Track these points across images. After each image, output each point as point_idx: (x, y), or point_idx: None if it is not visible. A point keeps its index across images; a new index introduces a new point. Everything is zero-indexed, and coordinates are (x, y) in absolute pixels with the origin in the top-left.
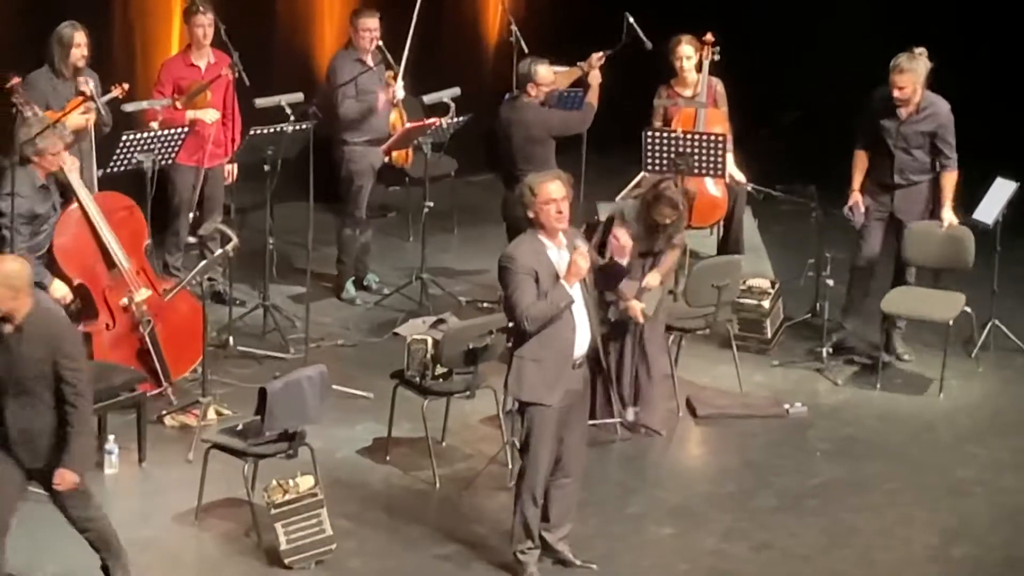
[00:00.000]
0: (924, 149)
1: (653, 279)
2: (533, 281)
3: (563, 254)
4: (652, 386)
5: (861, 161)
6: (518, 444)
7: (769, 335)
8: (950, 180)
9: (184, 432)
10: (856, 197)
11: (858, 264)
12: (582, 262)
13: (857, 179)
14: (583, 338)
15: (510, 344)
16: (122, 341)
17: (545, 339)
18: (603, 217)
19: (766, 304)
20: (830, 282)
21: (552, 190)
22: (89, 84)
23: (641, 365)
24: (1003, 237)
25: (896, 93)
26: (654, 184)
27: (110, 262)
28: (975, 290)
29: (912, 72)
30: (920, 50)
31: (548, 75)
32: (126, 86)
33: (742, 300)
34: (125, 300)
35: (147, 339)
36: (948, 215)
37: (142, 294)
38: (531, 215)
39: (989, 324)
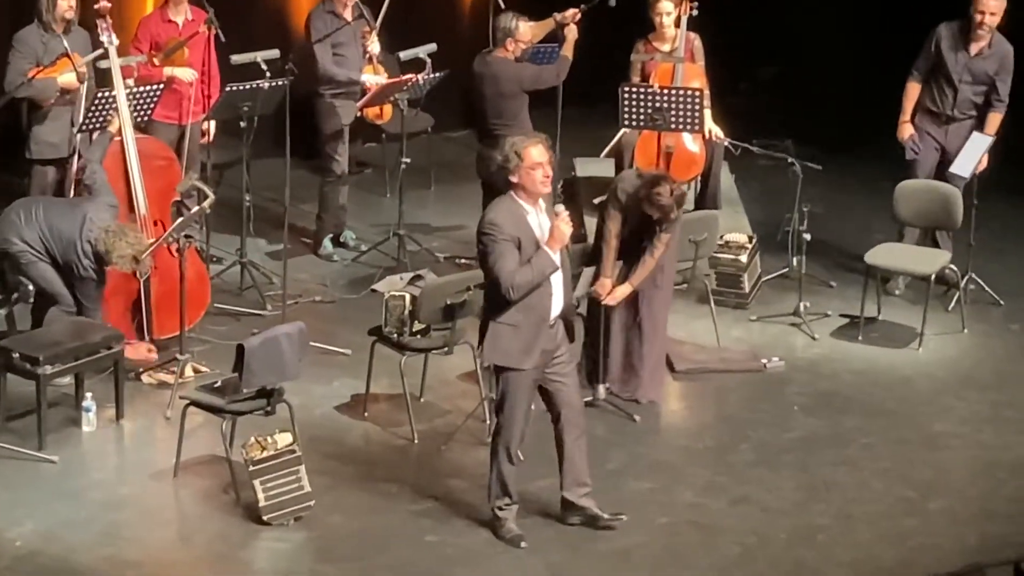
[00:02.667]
0: (986, 86)
1: (622, 291)
2: (516, 248)
3: (542, 218)
4: (645, 356)
5: (914, 91)
6: (495, 400)
7: (747, 290)
8: (995, 120)
9: (162, 389)
10: (909, 128)
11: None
12: (565, 228)
13: (908, 109)
14: (558, 300)
15: (484, 307)
16: (116, 284)
17: (523, 305)
18: (580, 172)
19: (743, 259)
20: (807, 236)
21: (537, 154)
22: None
23: (634, 335)
24: (979, 191)
25: (987, 20)
26: (650, 181)
27: (130, 205)
28: (954, 244)
29: (1001, 6)
30: None
31: (528, 32)
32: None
33: (719, 255)
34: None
35: (142, 287)
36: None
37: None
38: (514, 179)
39: (965, 278)
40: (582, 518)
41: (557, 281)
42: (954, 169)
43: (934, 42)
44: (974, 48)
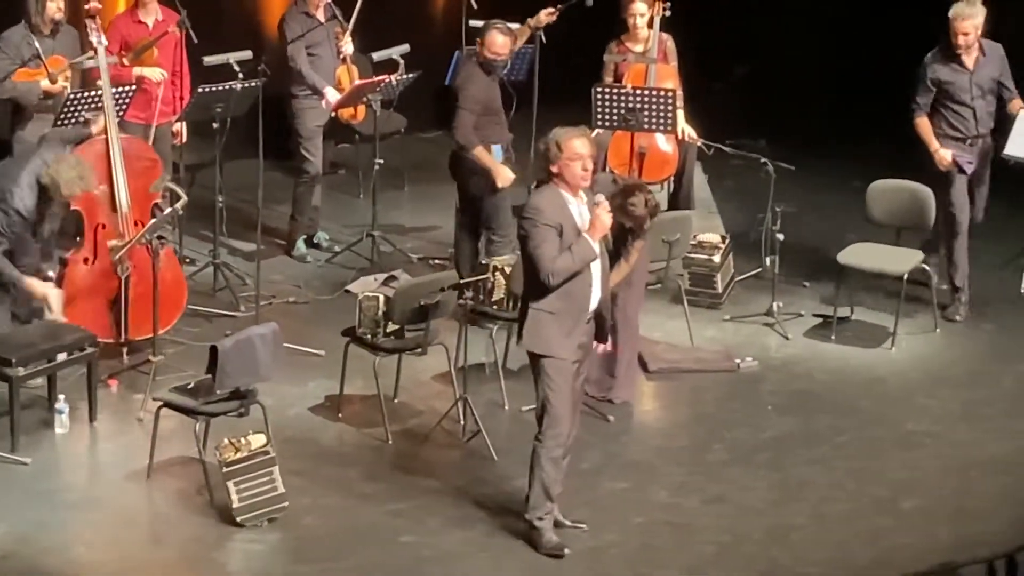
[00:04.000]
0: (995, 92)
1: None
2: (557, 235)
3: (583, 209)
4: (619, 357)
5: (927, 126)
6: (536, 402)
7: (720, 290)
8: (1019, 103)
9: (133, 390)
10: (947, 152)
11: (959, 218)
12: (606, 217)
13: (932, 138)
14: (597, 292)
15: (524, 293)
16: (95, 281)
17: (563, 292)
18: None
19: (717, 259)
20: (780, 236)
21: (579, 146)
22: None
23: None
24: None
25: (962, 40)
26: (625, 190)
27: (114, 203)
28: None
29: (974, 17)
30: None
31: (496, 41)
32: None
33: (693, 255)
34: (113, 242)
35: (121, 285)
36: None
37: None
38: (555, 170)
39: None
40: None
41: (597, 272)
42: (1009, 151)
43: (928, 75)
44: (970, 63)
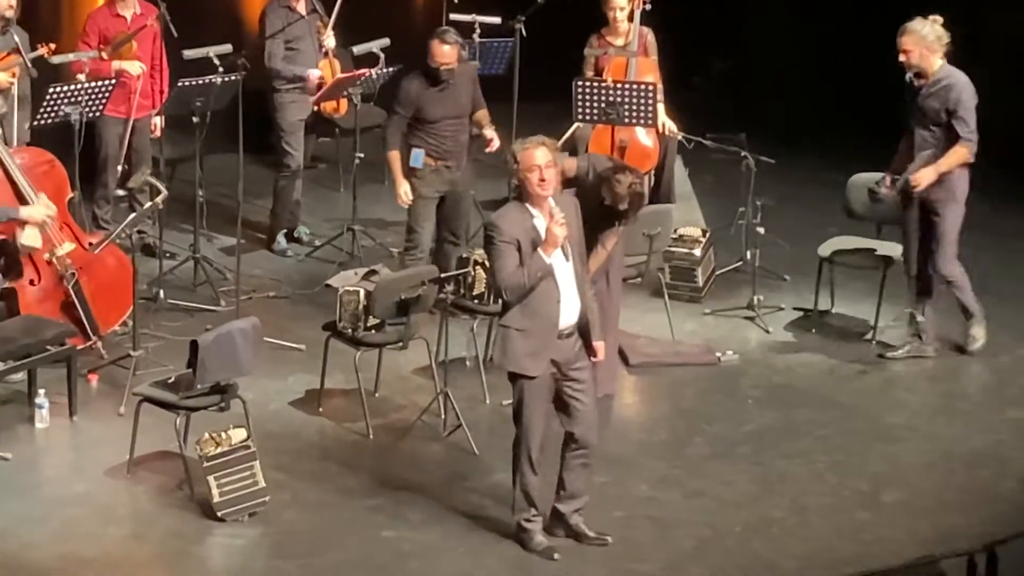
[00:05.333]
0: (942, 126)
1: None
2: (515, 250)
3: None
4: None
5: (902, 144)
6: (512, 409)
7: (701, 283)
8: (955, 150)
9: (114, 385)
10: (888, 176)
11: (907, 256)
12: (558, 230)
13: (896, 160)
14: (570, 307)
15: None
16: (48, 296)
17: (528, 309)
18: None
19: (697, 252)
20: (760, 230)
21: (535, 156)
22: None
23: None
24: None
25: (900, 57)
26: (619, 167)
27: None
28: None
29: (915, 34)
30: (934, 17)
31: (439, 50)
32: (53, 46)
33: (673, 249)
34: (48, 255)
35: (71, 292)
36: (923, 173)
37: (66, 248)
38: (515, 181)
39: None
40: (567, 532)
41: (566, 288)
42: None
43: (906, 90)
44: (920, 83)
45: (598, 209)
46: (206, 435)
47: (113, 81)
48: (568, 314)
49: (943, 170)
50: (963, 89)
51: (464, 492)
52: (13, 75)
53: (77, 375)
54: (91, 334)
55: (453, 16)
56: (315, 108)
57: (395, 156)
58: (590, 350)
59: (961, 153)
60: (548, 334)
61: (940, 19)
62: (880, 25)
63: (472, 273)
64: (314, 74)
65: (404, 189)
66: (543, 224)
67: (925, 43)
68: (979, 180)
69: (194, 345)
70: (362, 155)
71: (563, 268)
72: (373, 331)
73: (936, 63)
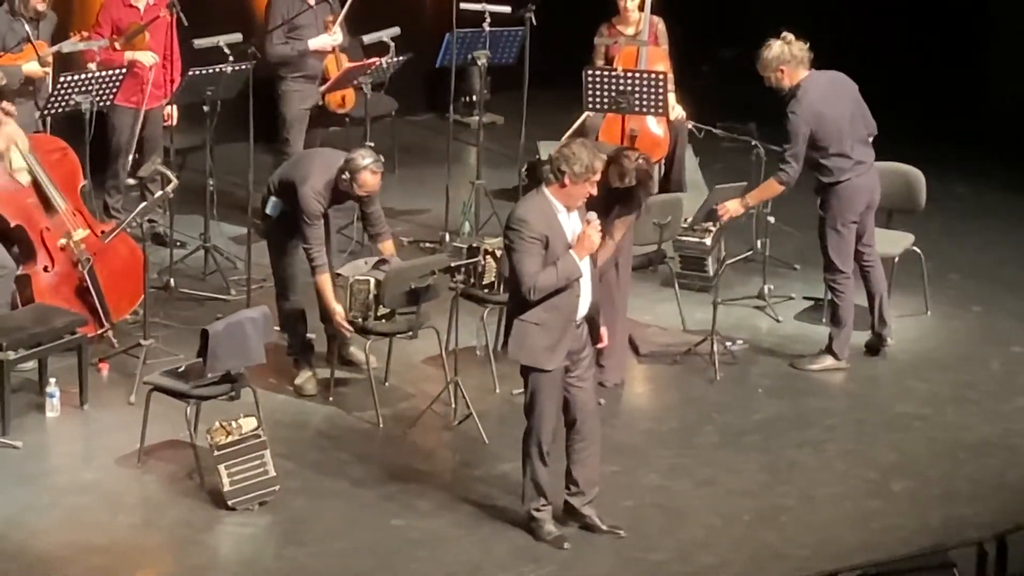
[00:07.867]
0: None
1: None
2: (542, 248)
3: (572, 218)
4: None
5: None
6: (524, 401)
7: (711, 273)
8: (767, 183)
9: (124, 374)
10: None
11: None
12: (595, 236)
13: None
14: (585, 301)
15: (509, 303)
16: (62, 282)
17: (549, 304)
18: (544, 155)
19: (708, 242)
20: (771, 219)
21: (600, 168)
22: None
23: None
24: (940, 173)
25: (772, 85)
26: (619, 148)
27: (47, 204)
28: (921, 228)
29: (763, 66)
30: (784, 34)
31: (366, 181)
32: (85, 33)
33: (684, 238)
34: (63, 241)
35: (87, 278)
36: (730, 203)
37: (79, 234)
38: (566, 182)
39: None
40: (580, 524)
41: (585, 281)
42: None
43: None
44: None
45: (607, 196)
46: (216, 424)
47: (124, 70)
48: (584, 307)
49: (750, 204)
50: (797, 103)
51: (473, 481)
52: (48, 64)
53: (88, 364)
54: (103, 322)
55: (463, 5)
56: (321, 101)
57: (325, 280)
58: (596, 336)
59: (772, 187)
60: (566, 328)
61: (790, 35)
62: (889, 13)
63: (483, 262)
64: (314, 43)
65: (340, 312)
66: (565, 219)
67: (777, 65)
68: (995, 168)
69: (204, 334)
70: (372, 144)
71: (583, 263)
72: (383, 320)
73: (799, 76)
